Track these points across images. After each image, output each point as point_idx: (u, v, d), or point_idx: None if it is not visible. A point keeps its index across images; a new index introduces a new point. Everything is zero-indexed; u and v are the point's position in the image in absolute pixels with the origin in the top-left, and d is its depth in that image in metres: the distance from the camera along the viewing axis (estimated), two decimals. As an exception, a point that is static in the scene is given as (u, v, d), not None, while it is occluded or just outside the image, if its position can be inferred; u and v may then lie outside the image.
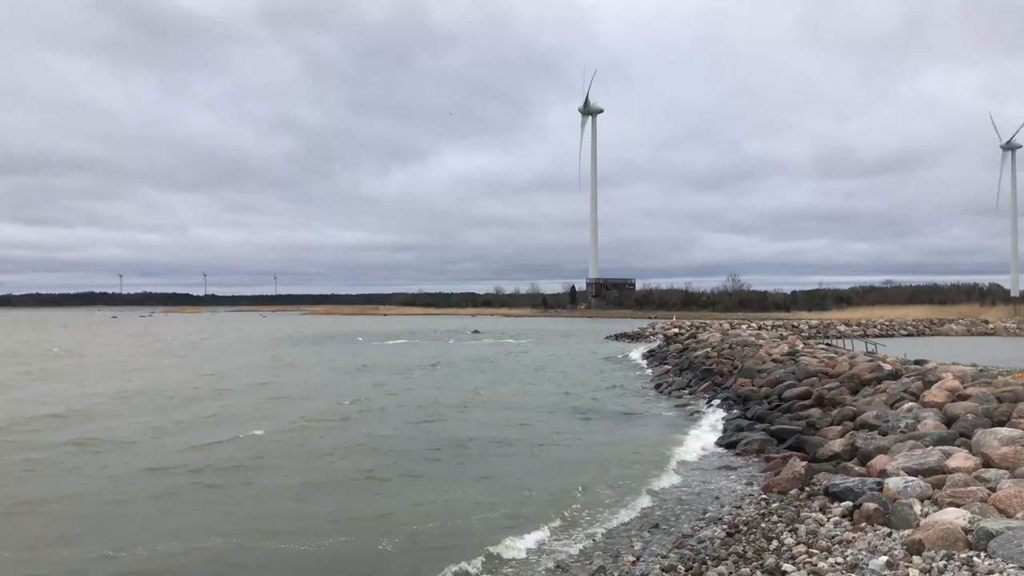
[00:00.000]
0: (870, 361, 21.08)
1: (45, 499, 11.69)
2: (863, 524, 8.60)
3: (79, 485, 12.61)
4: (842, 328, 63.49)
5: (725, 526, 9.76)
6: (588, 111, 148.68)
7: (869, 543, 7.79)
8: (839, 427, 14.93)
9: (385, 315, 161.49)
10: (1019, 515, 7.72)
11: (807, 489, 10.98)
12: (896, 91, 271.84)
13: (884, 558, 7.13)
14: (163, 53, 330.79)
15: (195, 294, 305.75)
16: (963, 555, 6.82)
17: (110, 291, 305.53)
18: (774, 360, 26.10)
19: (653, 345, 50.53)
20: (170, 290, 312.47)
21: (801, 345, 31.61)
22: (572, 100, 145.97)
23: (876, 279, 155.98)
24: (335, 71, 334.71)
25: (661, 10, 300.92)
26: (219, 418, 19.81)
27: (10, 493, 12.01)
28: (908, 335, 64.02)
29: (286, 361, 40.53)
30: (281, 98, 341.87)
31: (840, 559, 7.49)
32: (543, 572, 8.73)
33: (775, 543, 8.66)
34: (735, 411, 20.22)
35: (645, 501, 11.68)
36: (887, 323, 71.43)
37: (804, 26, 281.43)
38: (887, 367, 19.04)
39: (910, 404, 14.51)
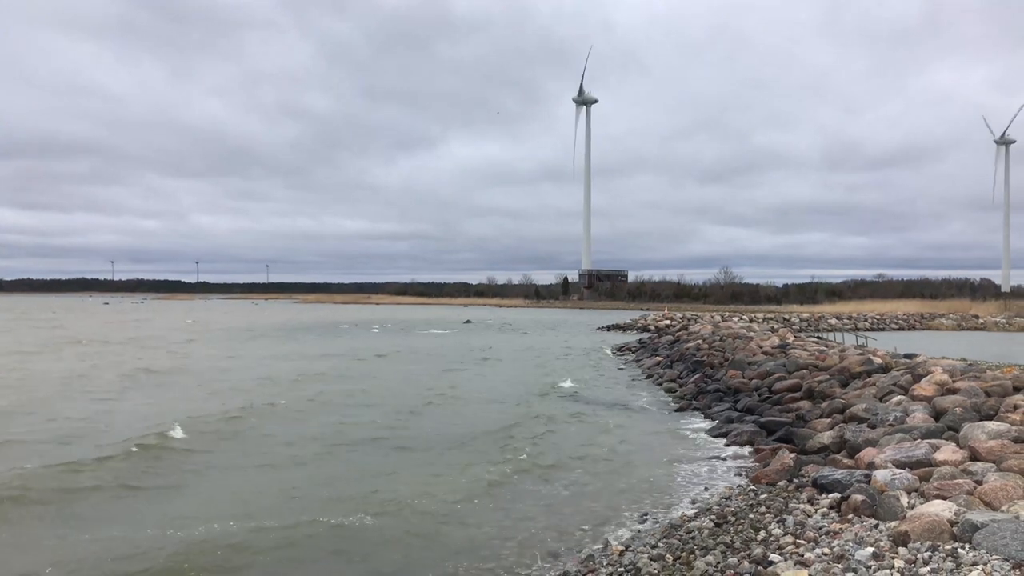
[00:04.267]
0: (860, 354, 21.19)
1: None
2: (850, 515, 8.65)
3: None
4: (833, 321, 63.81)
5: (714, 516, 9.81)
6: (582, 101, 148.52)
7: (856, 534, 7.84)
8: (828, 420, 15.00)
9: (377, 304, 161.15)
10: (1004, 508, 7.78)
11: (795, 480, 11.03)
12: (909, 85, 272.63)
13: (870, 549, 7.17)
14: (176, 37, 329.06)
15: (187, 281, 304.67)
16: (948, 547, 6.87)
17: (102, 277, 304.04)
18: (765, 353, 26.20)
19: (644, 336, 50.63)
20: (162, 277, 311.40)
21: (792, 338, 31.74)
22: (585, 89, 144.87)
23: (868, 273, 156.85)
24: (350, 58, 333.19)
25: (679, 0, 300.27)
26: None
27: None
28: (899, 329, 64.39)
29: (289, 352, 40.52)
30: (293, 85, 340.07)
31: (827, 550, 7.54)
32: (531, 559, 8.76)
33: (763, 534, 8.71)
34: (725, 403, 20.30)
35: (634, 491, 11.74)
36: (878, 317, 71.80)
37: (824, 18, 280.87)
38: (877, 360, 19.13)
39: (899, 397, 14.59)
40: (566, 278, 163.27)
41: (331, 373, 28.03)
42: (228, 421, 17.11)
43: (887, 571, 6.63)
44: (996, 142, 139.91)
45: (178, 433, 15.28)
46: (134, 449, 13.81)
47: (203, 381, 24.79)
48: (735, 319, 58.58)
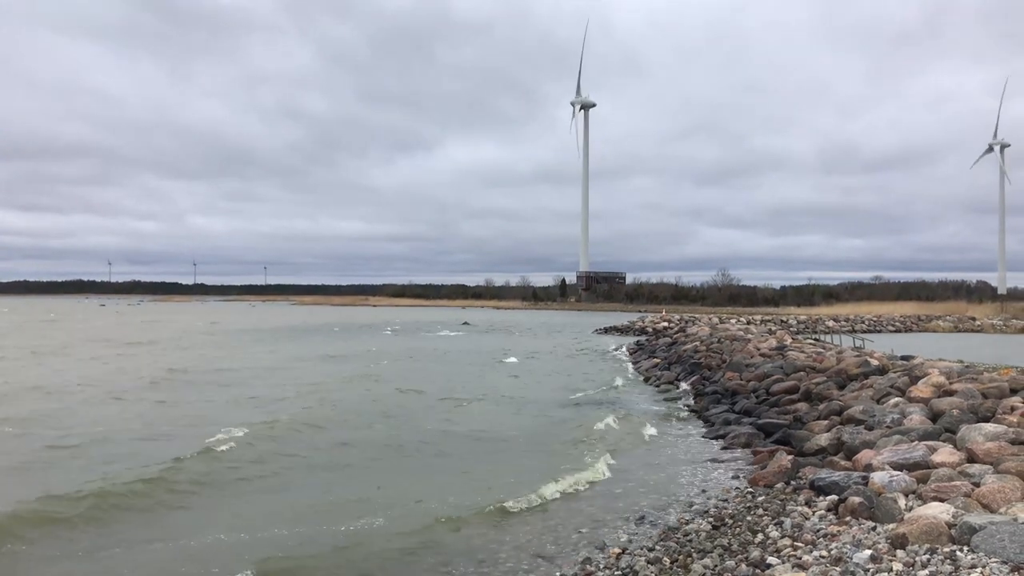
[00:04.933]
0: (857, 356, 21.19)
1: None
2: (848, 518, 8.64)
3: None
4: (830, 323, 63.74)
5: (711, 519, 9.79)
6: (581, 105, 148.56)
7: (854, 537, 7.82)
8: (826, 421, 14.99)
9: (375, 307, 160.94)
10: (1002, 510, 7.77)
11: (793, 483, 11.01)
12: (906, 88, 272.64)
13: (868, 551, 7.15)
14: (176, 39, 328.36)
15: (184, 283, 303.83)
16: (946, 549, 6.86)
17: (99, 279, 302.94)
18: (762, 354, 26.19)
19: (642, 339, 50.62)
20: (159, 278, 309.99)
21: (789, 340, 31.77)
22: (583, 92, 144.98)
23: (865, 275, 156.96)
24: (350, 60, 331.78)
25: (679, 2, 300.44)
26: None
27: None
28: (896, 331, 64.38)
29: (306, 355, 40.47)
30: (292, 86, 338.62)
31: (825, 552, 7.52)
32: (528, 563, 8.72)
33: (760, 536, 8.69)
34: (723, 405, 20.28)
35: (631, 494, 11.70)
36: (875, 319, 71.86)
37: (821, 21, 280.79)
38: (874, 362, 19.13)
39: (896, 399, 14.58)
40: (564, 280, 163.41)
41: (357, 376, 27.91)
42: (264, 428, 16.64)
43: (885, 574, 6.61)
44: (990, 144, 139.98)
45: (225, 442, 14.86)
46: (178, 459, 13.41)
47: (230, 385, 24.69)
48: (733, 321, 58.58)
